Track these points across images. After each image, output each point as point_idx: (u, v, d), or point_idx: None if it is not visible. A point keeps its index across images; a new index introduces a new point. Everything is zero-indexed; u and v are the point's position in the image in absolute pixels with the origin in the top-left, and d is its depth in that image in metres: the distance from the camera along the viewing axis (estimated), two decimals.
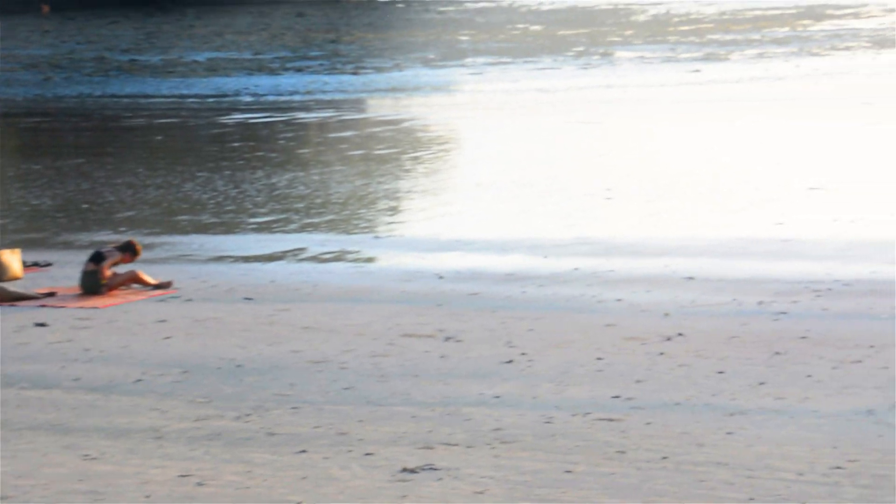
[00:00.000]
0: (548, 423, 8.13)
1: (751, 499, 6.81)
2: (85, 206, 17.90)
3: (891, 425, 7.93)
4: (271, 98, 31.53)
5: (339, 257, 14.25)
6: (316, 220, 16.68)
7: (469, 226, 15.83)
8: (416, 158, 22.01)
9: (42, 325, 11.25)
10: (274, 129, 26.20)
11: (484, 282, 12.57)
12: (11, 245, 14.23)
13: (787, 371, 9.18)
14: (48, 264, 13.94)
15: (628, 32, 46.60)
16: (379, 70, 37.31)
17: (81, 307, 12.07)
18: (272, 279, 13.03)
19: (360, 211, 17.41)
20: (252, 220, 16.67)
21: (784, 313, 10.94)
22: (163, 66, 39.54)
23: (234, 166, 21.03)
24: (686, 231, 14.80)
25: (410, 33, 49.39)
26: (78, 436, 8.04)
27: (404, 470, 7.31)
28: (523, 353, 9.83)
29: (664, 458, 7.44)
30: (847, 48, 39.10)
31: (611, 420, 8.13)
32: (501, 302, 11.71)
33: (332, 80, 34.79)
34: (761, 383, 8.89)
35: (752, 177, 18.28)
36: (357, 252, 14.52)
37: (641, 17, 53.42)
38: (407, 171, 20.64)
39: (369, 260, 14.22)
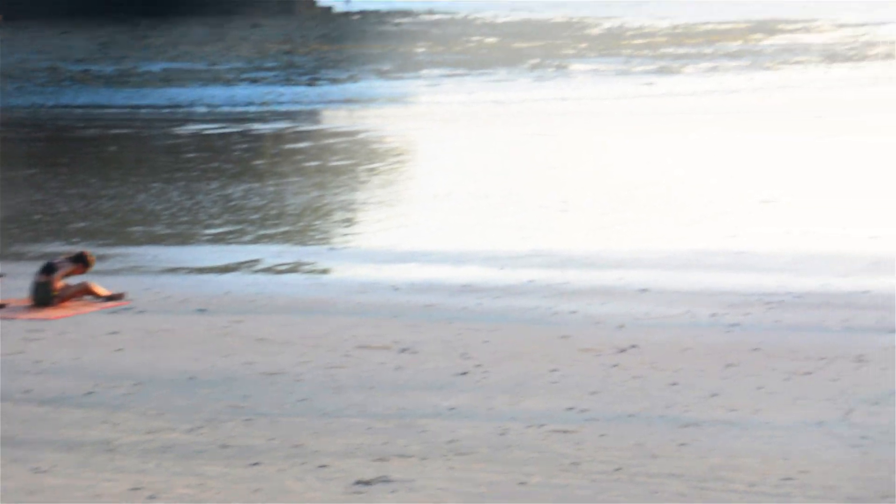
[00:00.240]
0: (502, 434, 8.13)
1: None
2: (37, 216, 17.74)
3: (841, 437, 8.00)
4: (226, 109, 31.42)
5: (294, 269, 14.21)
6: (271, 231, 16.62)
7: (425, 237, 15.83)
8: (371, 170, 21.99)
9: None
10: (229, 141, 26.10)
11: (439, 293, 12.57)
12: None
13: (739, 383, 9.25)
14: (0, 275, 13.80)
15: (583, 45, 46.85)
16: (334, 81, 37.28)
17: (32, 319, 11.95)
18: (226, 290, 12.97)
19: (315, 222, 17.38)
20: (206, 231, 16.59)
21: (737, 325, 11.02)
22: (117, 77, 39.31)
23: (189, 177, 20.93)
24: (640, 243, 14.88)
25: (366, 45, 49.39)
26: (28, 448, 7.96)
27: (359, 482, 7.29)
28: (478, 365, 9.84)
29: (618, 469, 7.46)
30: (798, 62, 39.53)
31: (565, 432, 8.15)
32: (457, 313, 11.71)
33: (288, 92, 34.72)
34: (714, 395, 8.94)
35: (705, 189, 18.42)
36: (312, 263, 14.48)
37: (595, 31, 53.73)
38: (362, 182, 20.62)
39: (324, 271, 14.19)
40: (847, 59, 40.17)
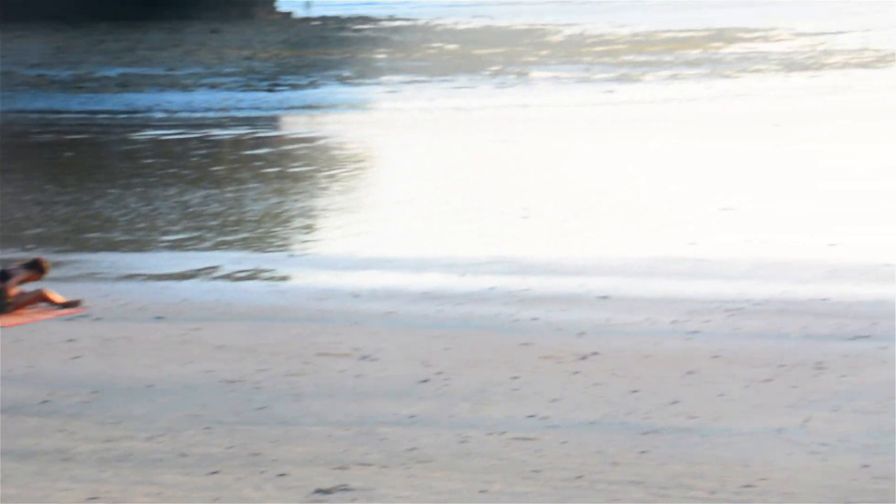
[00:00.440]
0: (463, 442, 8.10)
1: None
2: None
3: (800, 444, 8.03)
4: (185, 114, 31.25)
5: (253, 276, 14.12)
6: (230, 238, 16.52)
7: (385, 244, 15.78)
8: (331, 176, 21.93)
9: None
10: (187, 146, 25.95)
11: (400, 300, 12.53)
12: None
13: (699, 390, 9.27)
14: None
15: (543, 52, 47.01)
16: (294, 87, 37.19)
17: None
18: (185, 298, 12.87)
19: (274, 229, 17.29)
20: (165, 237, 16.47)
21: (697, 333, 11.05)
22: (73, 82, 39.02)
23: (147, 183, 20.77)
24: (601, 251, 14.91)
25: (326, 51, 49.32)
26: None
27: (318, 490, 7.24)
28: (439, 373, 9.80)
29: (579, 477, 7.45)
30: (757, 70, 39.83)
31: (526, 439, 8.13)
32: (418, 321, 11.68)
33: (247, 97, 34.59)
34: (674, 402, 8.95)
35: (665, 197, 18.50)
36: (272, 270, 14.41)
37: (556, 38, 53.93)
38: (322, 188, 20.55)
39: (284, 278, 14.11)
40: (805, 67, 40.52)
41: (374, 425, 8.45)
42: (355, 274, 13.95)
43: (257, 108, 32.31)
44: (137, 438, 8.24)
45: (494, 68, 41.61)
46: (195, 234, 16.66)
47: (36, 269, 12.78)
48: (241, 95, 35.09)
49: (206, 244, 16.00)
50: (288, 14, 71.89)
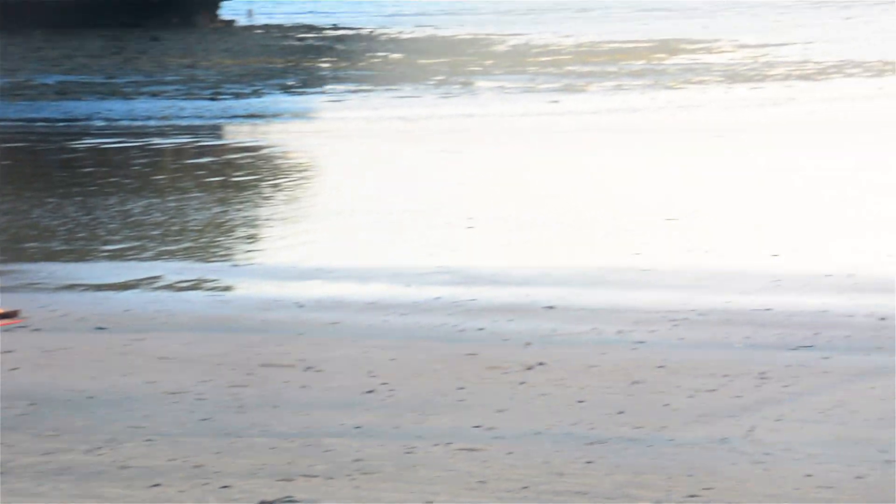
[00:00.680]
0: (409, 453, 8.05)
1: None
2: None
3: (744, 453, 8.05)
4: (125, 123, 30.94)
5: (196, 286, 13.97)
6: (172, 247, 16.34)
7: (330, 254, 15.69)
8: (275, 186, 21.79)
9: None
10: (128, 155, 25.68)
11: (345, 311, 12.45)
12: None
13: (645, 400, 9.28)
14: None
15: (488, 62, 47.12)
16: (237, 96, 36.96)
17: None
18: (126, 308, 12.70)
19: (217, 239, 17.13)
20: (105, 247, 16.26)
21: (642, 342, 11.07)
22: (9, 89, 38.51)
23: (86, 192, 20.52)
24: (547, 260, 14.92)
25: (269, 59, 49.10)
26: None
27: (263, 502, 7.15)
28: (384, 383, 9.74)
29: (525, 487, 7.42)
30: (700, 82, 40.17)
31: (472, 450, 8.09)
32: (363, 331, 11.60)
33: (189, 106, 34.32)
34: (620, 412, 8.95)
35: (610, 207, 18.56)
36: (215, 280, 14.27)
37: (501, 48, 54.10)
38: (266, 198, 20.41)
39: (227, 288, 13.98)
40: (748, 79, 40.92)
41: (319, 437, 8.37)
42: (300, 284, 13.84)
43: (199, 117, 32.07)
44: (77, 451, 8.11)
45: (439, 78, 41.64)
46: (136, 243, 16.46)
47: None
48: (182, 104, 34.82)
49: (148, 254, 15.82)
50: (230, 22, 71.50)
